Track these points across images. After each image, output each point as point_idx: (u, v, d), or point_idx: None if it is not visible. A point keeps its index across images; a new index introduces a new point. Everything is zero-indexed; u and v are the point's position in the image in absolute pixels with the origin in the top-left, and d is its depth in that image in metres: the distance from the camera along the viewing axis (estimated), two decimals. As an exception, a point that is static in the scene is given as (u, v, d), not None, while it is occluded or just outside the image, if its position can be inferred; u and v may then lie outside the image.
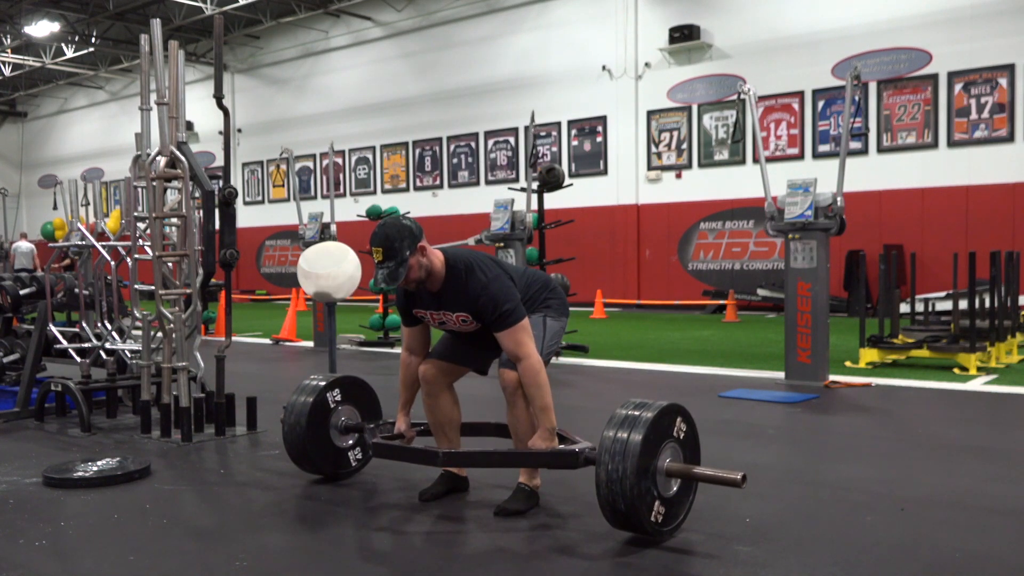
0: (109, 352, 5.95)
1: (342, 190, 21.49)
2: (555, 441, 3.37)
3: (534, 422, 3.45)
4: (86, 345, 6.18)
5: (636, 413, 3.05)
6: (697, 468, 3.14)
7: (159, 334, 5.13)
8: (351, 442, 4.05)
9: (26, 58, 25.00)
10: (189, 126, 21.55)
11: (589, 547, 3.13)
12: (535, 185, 9.21)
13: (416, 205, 19.00)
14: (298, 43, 22.38)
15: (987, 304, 8.07)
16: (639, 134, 17.02)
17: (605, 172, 17.47)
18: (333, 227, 10.33)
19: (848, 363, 7.97)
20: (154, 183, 5.03)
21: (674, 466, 3.08)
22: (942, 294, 11.24)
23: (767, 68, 15.29)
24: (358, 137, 21.21)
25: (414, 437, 3.75)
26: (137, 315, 5.45)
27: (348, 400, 4.02)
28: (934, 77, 13.97)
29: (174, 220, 5.28)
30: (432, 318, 3.56)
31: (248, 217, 23.45)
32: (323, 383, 3.96)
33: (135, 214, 5.47)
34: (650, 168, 16.95)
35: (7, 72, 26.56)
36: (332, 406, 3.95)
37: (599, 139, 17.55)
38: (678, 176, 16.66)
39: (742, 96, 7.48)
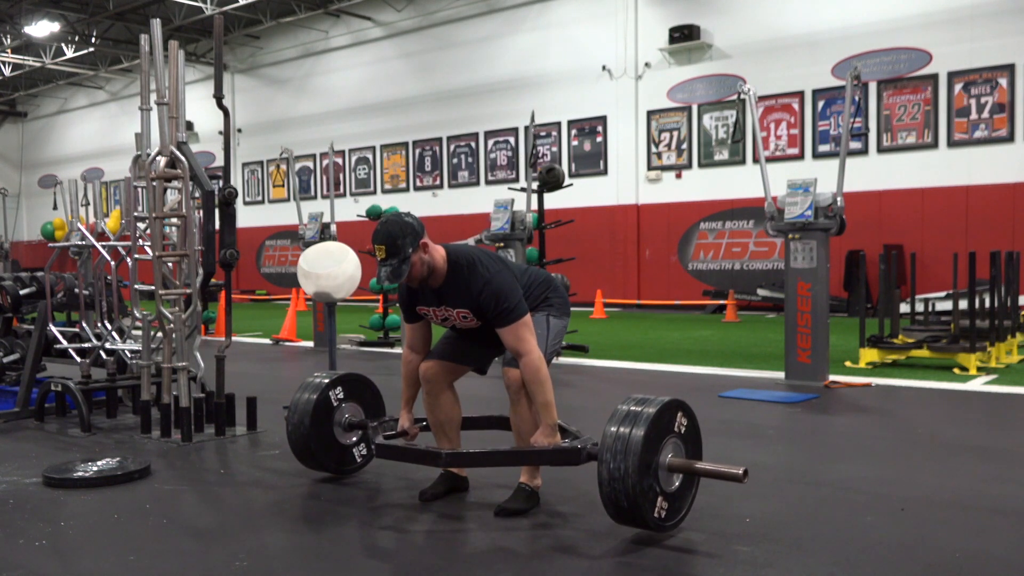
0: (109, 352, 5.95)
1: (342, 190, 21.48)
2: (557, 437, 3.38)
3: (536, 420, 3.45)
4: (86, 345, 6.17)
5: (637, 409, 3.04)
6: (699, 463, 3.13)
7: (159, 334, 5.13)
8: (355, 439, 4.05)
9: (26, 58, 24.99)
10: (189, 126, 21.53)
11: (590, 546, 3.13)
12: (535, 185, 9.20)
13: (416, 205, 19.01)
14: (298, 43, 22.38)
15: (987, 304, 8.07)
16: (639, 134, 17.02)
17: (605, 172, 17.47)
18: (333, 227, 10.33)
19: (848, 363, 7.97)
20: (154, 183, 5.03)
21: (676, 461, 3.07)
22: (942, 294, 11.23)
23: (767, 68, 15.29)
24: (358, 137, 21.21)
25: (417, 434, 3.75)
26: (137, 315, 5.45)
27: (351, 397, 4.03)
28: (934, 77, 13.97)
29: (174, 220, 5.28)
30: (435, 315, 3.56)
31: (248, 217, 23.44)
32: (326, 380, 3.95)
33: (135, 214, 5.47)
34: (650, 168, 16.95)
35: (7, 72, 26.53)
36: (335, 404, 3.96)
37: (599, 139, 17.55)
38: (678, 176, 16.66)
39: (742, 96, 7.48)
